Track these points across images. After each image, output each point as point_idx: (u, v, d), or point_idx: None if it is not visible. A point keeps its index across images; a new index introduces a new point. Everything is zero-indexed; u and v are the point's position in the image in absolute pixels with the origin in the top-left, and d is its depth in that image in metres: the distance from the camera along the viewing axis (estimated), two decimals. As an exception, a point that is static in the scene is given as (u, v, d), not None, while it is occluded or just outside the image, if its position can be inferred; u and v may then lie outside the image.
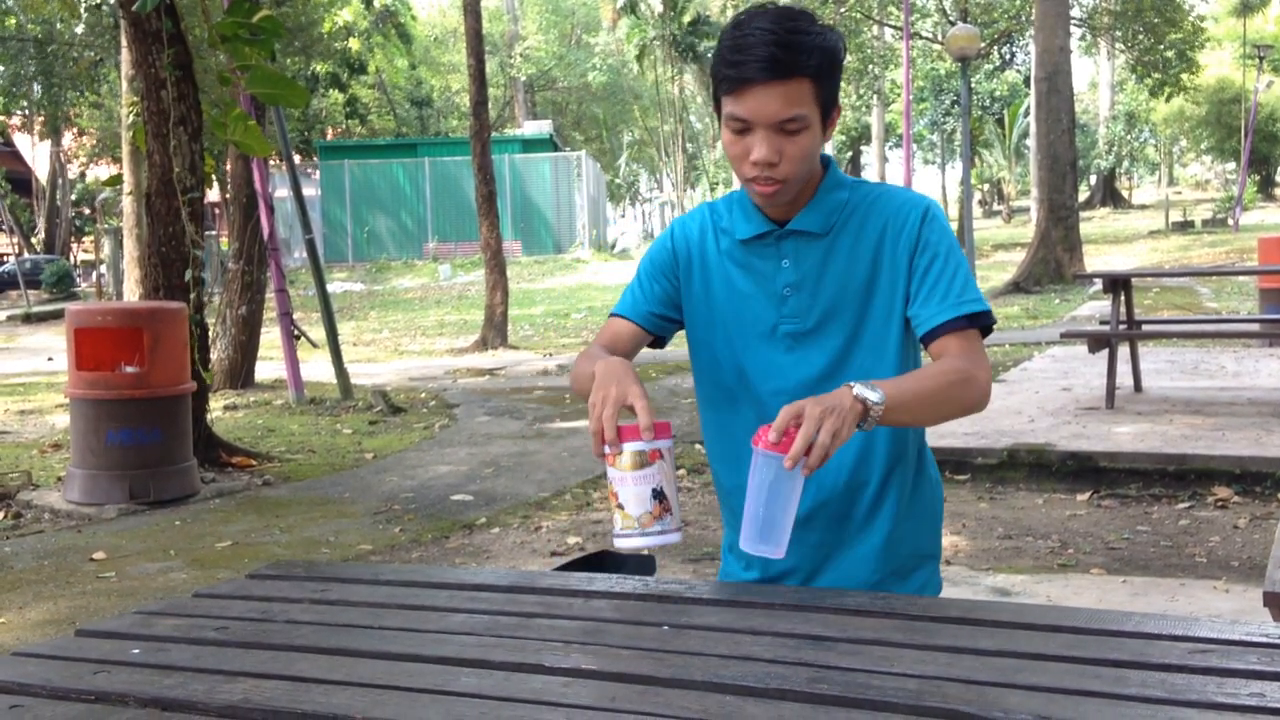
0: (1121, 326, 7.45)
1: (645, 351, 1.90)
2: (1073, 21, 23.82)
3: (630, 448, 1.51)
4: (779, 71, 1.61)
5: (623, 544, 1.53)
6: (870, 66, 32.85)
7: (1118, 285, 7.40)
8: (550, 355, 13.80)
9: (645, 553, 1.85)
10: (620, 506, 1.52)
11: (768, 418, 1.50)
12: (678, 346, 1.97)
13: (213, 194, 16.38)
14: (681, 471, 6.25)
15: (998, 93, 41.64)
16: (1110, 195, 45.42)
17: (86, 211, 37.53)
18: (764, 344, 1.78)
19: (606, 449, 1.52)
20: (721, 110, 1.69)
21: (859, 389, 1.50)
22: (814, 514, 1.78)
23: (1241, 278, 16.56)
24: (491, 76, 34.38)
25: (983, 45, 25.85)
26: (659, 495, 1.51)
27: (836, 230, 1.76)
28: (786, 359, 1.77)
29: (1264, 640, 1.25)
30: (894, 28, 30.50)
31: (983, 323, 1.71)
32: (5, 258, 37.44)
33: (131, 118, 10.41)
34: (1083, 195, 36.32)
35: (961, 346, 1.68)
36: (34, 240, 38.17)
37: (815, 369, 1.76)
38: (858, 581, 1.79)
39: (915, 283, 1.73)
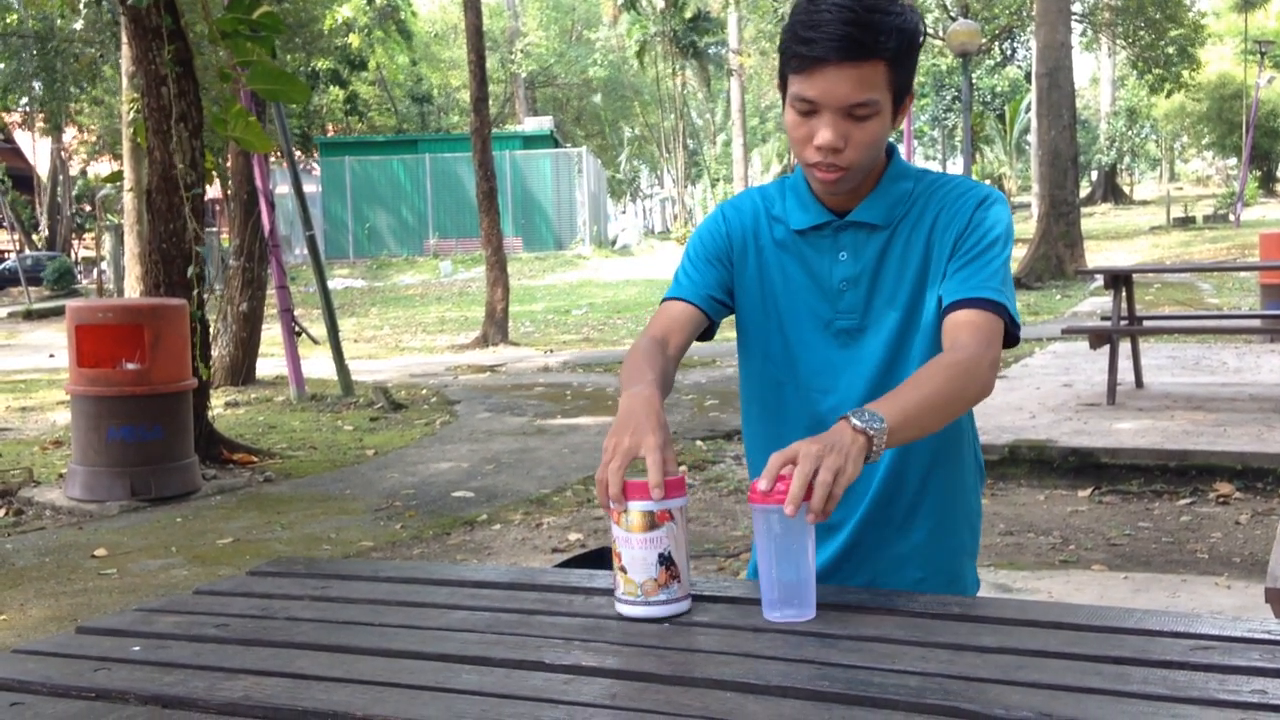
0: (1123, 322, 7.45)
1: None
2: (1074, 17, 23.80)
3: (637, 507, 1.37)
4: (853, 53, 1.51)
5: (624, 610, 1.41)
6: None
7: (1119, 281, 7.39)
8: (551, 352, 13.80)
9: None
10: (623, 569, 1.39)
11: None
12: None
13: (213, 190, 16.36)
14: (682, 469, 6.24)
15: (999, 88, 41.58)
16: (1111, 191, 45.35)
17: (87, 208, 37.51)
18: (818, 339, 1.69)
19: (612, 504, 1.38)
20: (787, 88, 1.58)
21: (856, 420, 1.37)
22: (849, 514, 1.71)
23: (1243, 273, 16.53)
24: (492, 72, 34.34)
25: (984, 41, 25.82)
26: (666, 561, 1.38)
27: (897, 223, 1.66)
28: (840, 356, 1.69)
29: (1266, 637, 1.25)
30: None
31: (1003, 314, 1.59)
32: (6, 254, 37.47)
33: (132, 114, 10.40)
34: (1084, 191, 36.29)
35: (971, 324, 1.56)
36: (35, 237, 38.19)
37: (868, 367, 1.67)
38: (897, 581, 1.71)
39: (952, 262, 1.62)
